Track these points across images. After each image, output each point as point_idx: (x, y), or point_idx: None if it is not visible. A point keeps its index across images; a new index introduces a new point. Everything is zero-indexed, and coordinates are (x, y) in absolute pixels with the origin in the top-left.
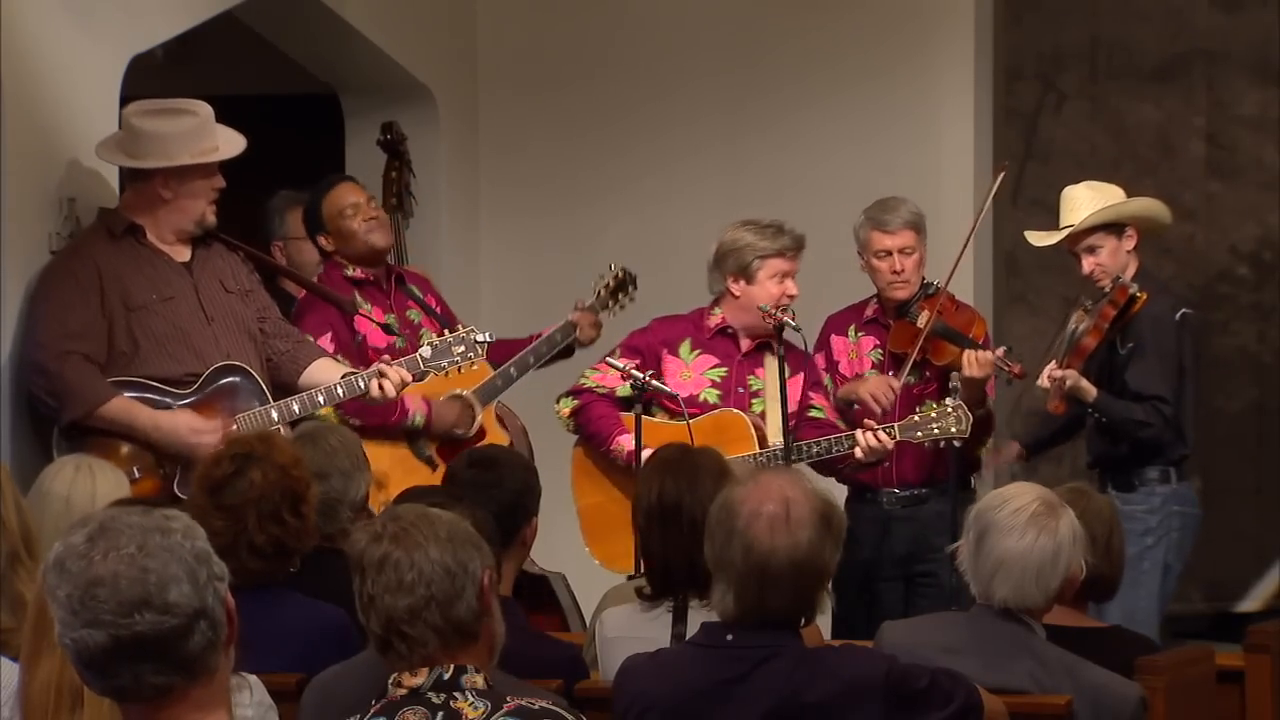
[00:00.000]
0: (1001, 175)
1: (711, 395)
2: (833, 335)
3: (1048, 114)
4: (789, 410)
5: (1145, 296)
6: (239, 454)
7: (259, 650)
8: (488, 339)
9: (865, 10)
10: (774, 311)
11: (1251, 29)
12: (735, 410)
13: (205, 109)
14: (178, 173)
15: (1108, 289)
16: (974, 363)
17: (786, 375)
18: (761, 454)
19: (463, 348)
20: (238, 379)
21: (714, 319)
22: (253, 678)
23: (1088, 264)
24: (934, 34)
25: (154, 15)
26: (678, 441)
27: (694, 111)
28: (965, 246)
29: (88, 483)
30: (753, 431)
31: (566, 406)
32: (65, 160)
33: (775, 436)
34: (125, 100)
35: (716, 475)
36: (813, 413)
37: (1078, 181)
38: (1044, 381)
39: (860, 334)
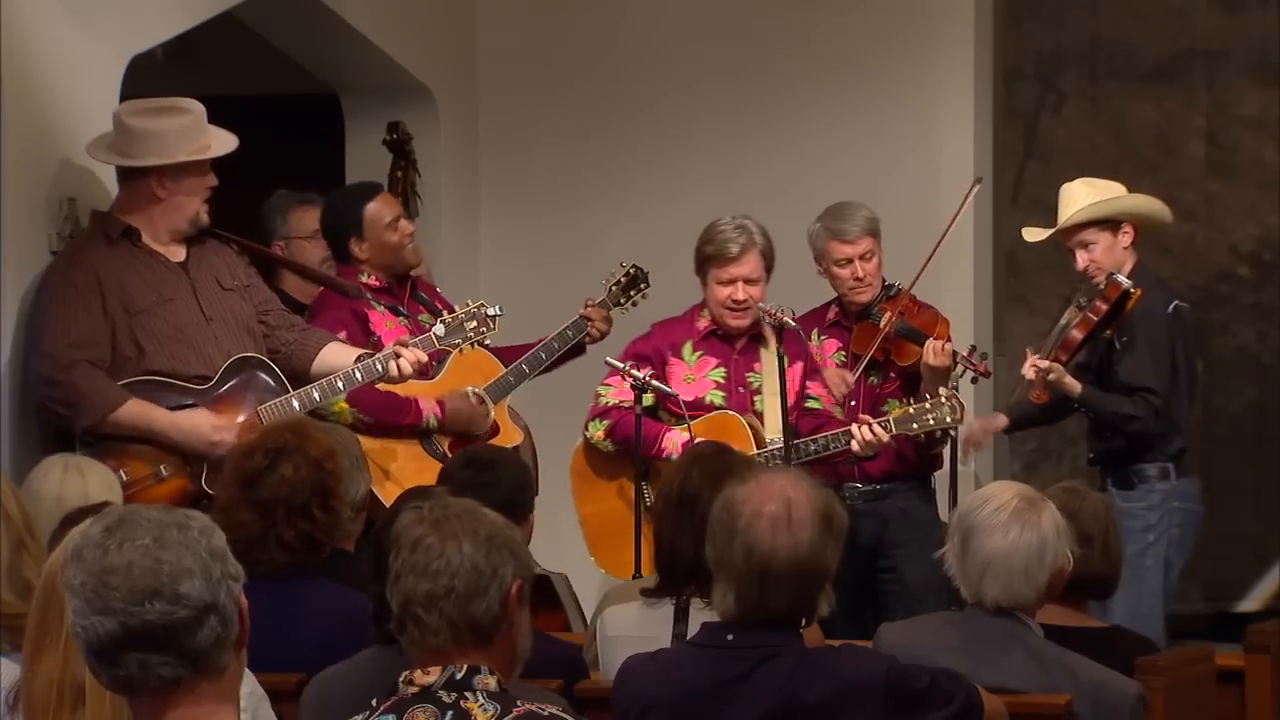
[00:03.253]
0: (976, 186)
1: (717, 397)
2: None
3: (1048, 114)
4: (789, 401)
5: (1140, 293)
6: (272, 447)
7: (285, 635)
8: (499, 312)
9: (865, 11)
10: (774, 312)
11: (1251, 29)
12: (732, 412)
13: (197, 106)
14: (173, 171)
15: (1102, 285)
16: (933, 352)
17: (786, 370)
18: (760, 454)
19: (475, 322)
20: (257, 371)
21: (704, 321)
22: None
23: (1082, 259)
24: (934, 34)
25: (154, 15)
26: (715, 440)
27: (694, 112)
28: (935, 250)
29: (78, 481)
30: (749, 432)
31: (600, 429)
32: (65, 160)
33: (773, 433)
34: (125, 100)
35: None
36: (810, 403)
37: (1060, 190)
38: (1028, 372)
39: (823, 338)
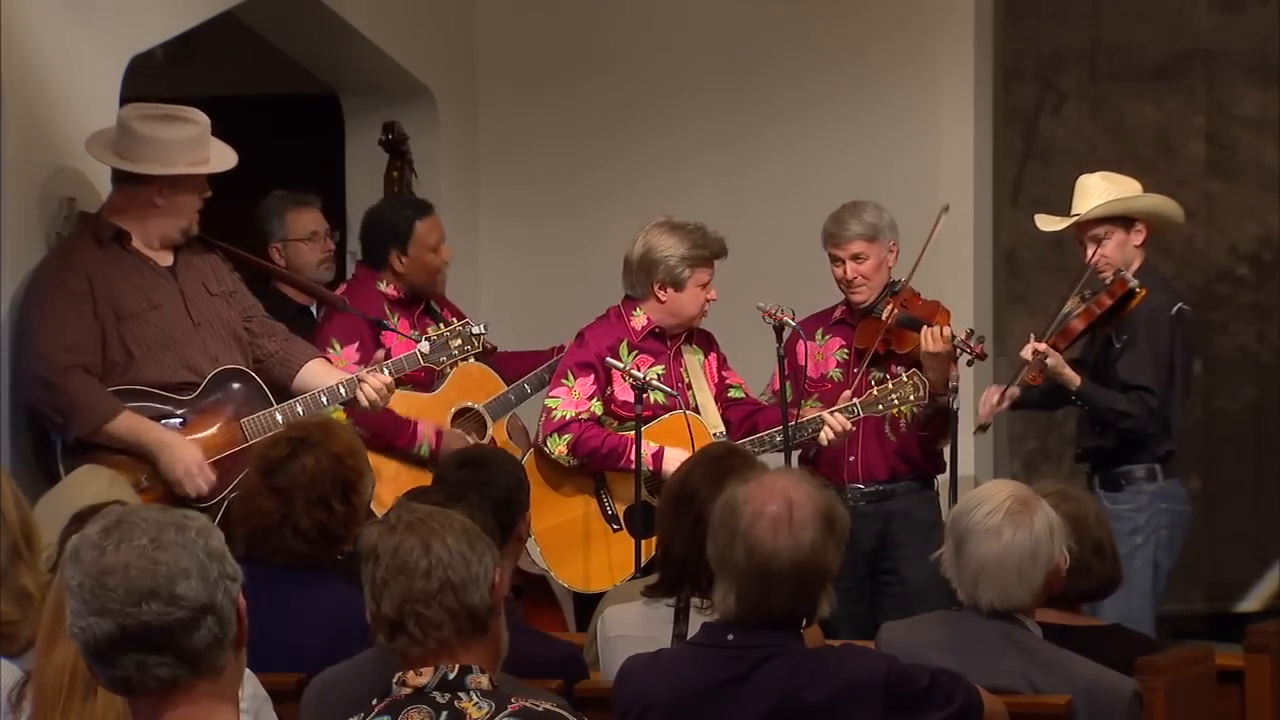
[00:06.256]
0: (943, 215)
1: (658, 395)
2: (799, 342)
3: (1048, 114)
4: (712, 394)
5: (1145, 292)
6: (295, 438)
7: (290, 629)
8: (483, 330)
9: (865, 10)
10: (774, 311)
11: (1251, 29)
12: (681, 412)
13: (203, 119)
14: (172, 182)
15: (1108, 280)
16: (930, 339)
17: (788, 361)
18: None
19: (460, 341)
20: (239, 384)
21: (639, 320)
22: (245, 671)
23: (1092, 253)
24: (934, 34)
25: (154, 15)
26: (729, 443)
27: (694, 111)
28: (911, 274)
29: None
30: (703, 429)
31: (561, 444)
32: (65, 160)
33: (713, 427)
34: (125, 101)
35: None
36: (732, 393)
37: (1077, 182)
38: (1026, 354)
39: (827, 336)
